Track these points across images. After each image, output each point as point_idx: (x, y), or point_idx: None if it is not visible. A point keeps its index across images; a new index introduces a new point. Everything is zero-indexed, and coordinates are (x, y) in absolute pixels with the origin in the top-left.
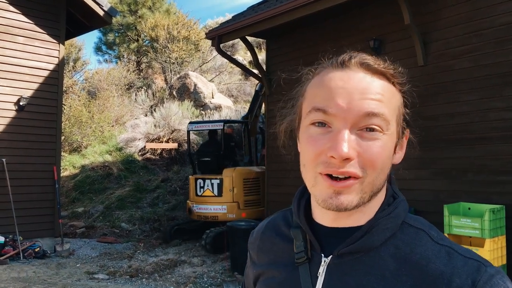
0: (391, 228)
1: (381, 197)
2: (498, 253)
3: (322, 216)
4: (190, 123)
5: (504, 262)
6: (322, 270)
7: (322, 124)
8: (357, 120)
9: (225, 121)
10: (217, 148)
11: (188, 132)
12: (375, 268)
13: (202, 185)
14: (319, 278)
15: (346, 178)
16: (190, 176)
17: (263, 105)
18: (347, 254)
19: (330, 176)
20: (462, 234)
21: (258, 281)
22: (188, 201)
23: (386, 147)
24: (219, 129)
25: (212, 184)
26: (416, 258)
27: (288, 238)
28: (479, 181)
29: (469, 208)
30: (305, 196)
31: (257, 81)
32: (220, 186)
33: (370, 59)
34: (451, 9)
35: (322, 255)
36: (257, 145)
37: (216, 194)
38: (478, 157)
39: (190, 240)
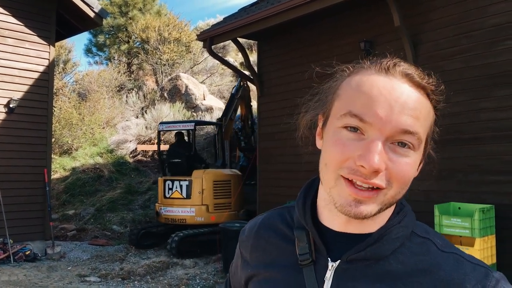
0: (402, 237)
1: (391, 208)
2: (488, 252)
3: (332, 220)
4: (161, 123)
5: (494, 261)
6: (330, 274)
7: (354, 129)
8: (392, 134)
9: (197, 122)
10: (187, 149)
11: (159, 132)
12: (386, 275)
13: (170, 186)
14: (325, 282)
15: (369, 188)
16: (159, 178)
17: (240, 108)
18: (356, 261)
19: (352, 182)
20: (453, 234)
21: (251, 281)
22: (156, 204)
23: (414, 165)
24: (190, 129)
25: (180, 186)
26: (426, 266)
27: (288, 238)
28: (469, 181)
29: (459, 208)
30: (310, 196)
31: (250, 83)
32: (189, 188)
33: (414, 71)
34: (441, 11)
35: (329, 259)
36: (231, 148)
37: (185, 196)
38: (468, 157)
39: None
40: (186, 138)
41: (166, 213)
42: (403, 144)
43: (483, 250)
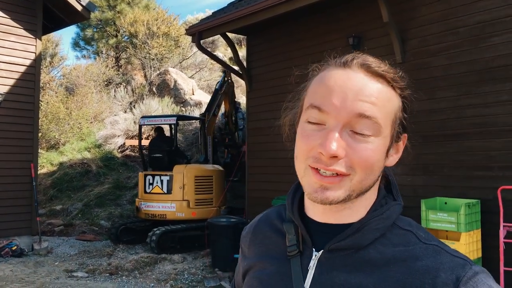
0: (382, 228)
1: (371, 197)
2: (474, 247)
3: (313, 210)
4: (142, 117)
5: (480, 255)
6: (312, 264)
7: (317, 120)
8: (349, 120)
9: (179, 116)
10: (168, 144)
11: (140, 126)
12: (364, 264)
13: (151, 181)
14: (309, 271)
15: (332, 175)
16: (139, 173)
17: (224, 104)
18: (337, 250)
19: (318, 170)
20: (439, 228)
21: (248, 274)
22: (136, 199)
23: (377, 150)
24: (172, 123)
25: (161, 181)
26: (404, 256)
27: (280, 231)
28: (456, 176)
29: (446, 203)
30: (299, 191)
31: (239, 78)
32: (169, 183)
33: (372, 61)
34: (428, 7)
35: (314, 249)
36: (214, 144)
37: (165, 192)
38: (454, 153)
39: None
40: (168, 132)
41: (146, 208)
42: (363, 133)
43: (468, 244)
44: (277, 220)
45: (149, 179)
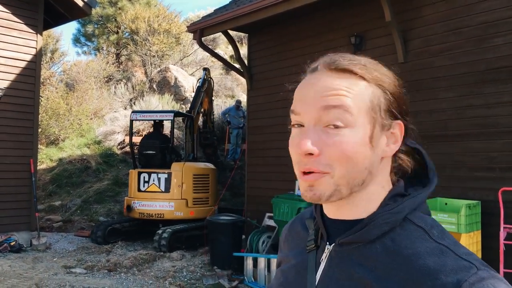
0: (391, 223)
1: (378, 191)
2: (474, 248)
3: (326, 208)
4: (134, 112)
5: (479, 256)
6: (324, 256)
7: (299, 125)
8: (318, 115)
9: (176, 112)
10: (163, 141)
11: (131, 121)
12: (369, 259)
13: (146, 179)
14: (321, 264)
15: (312, 173)
16: (131, 170)
17: (203, 102)
18: (346, 244)
19: (305, 172)
20: None
21: (279, 267)
22: (126, 198)
23: (353, 142)
24: (169, 119)
25: (158, 179)
26: (408, 253)
27: (307, 228)
28: (456, 177)
29: (446, 204)
30: None
31: (240, 76)
32: (168, 181)
33: (336, 59)
34: (431, 7)
35: (327, 243)
36: (200, 142)
37: (163, 190)
38: (455, 153)
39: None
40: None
41: (141, 207)
42: (335, 126)
43: (468, 245)
44: (309, 218)
45: (144, 177)
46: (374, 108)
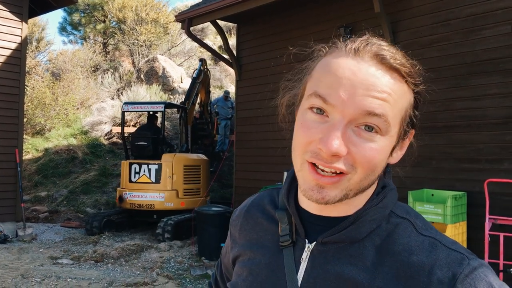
0: (378, 219)
1: (369, 192)
2: (459, 238)
3: (308, 202)
4: (125, 103)
5: (465, 247)
6: (305, 256)
7: (320, 111)
8: (355, 117)
9: (167, 104)
10: (154, 132)
11: (123, 112)
12: (358, 258)
13: (137, 170)
14: (302, 263)
15: (332, 174)
16: (123, 161)
17: (200, 93)
18: (331, 243)
19: (316, 166)
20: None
21: (237, 261)
22: (118, 189)
23: (382, 150)
24: (159, 111)
25: (149, 170)
26: (399, 249)
27: (273, 219)
28: (443, 169)
29: (432, 195)
30: (296, 179)
31: (229, 67)
32: (158, 172)
33: (387, 51)
34: None
35: (306, 240)
36: (194, 133)
37: (154, 181)
38: (443, 145)
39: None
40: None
41: (132, 198)
42: (369, 128)
43: (454, 236)
44: (270, 206)
45: (135, 168)
46: (405, 118)
